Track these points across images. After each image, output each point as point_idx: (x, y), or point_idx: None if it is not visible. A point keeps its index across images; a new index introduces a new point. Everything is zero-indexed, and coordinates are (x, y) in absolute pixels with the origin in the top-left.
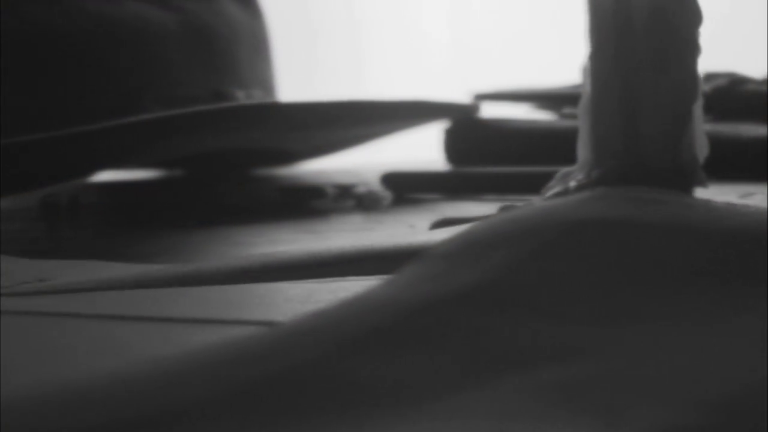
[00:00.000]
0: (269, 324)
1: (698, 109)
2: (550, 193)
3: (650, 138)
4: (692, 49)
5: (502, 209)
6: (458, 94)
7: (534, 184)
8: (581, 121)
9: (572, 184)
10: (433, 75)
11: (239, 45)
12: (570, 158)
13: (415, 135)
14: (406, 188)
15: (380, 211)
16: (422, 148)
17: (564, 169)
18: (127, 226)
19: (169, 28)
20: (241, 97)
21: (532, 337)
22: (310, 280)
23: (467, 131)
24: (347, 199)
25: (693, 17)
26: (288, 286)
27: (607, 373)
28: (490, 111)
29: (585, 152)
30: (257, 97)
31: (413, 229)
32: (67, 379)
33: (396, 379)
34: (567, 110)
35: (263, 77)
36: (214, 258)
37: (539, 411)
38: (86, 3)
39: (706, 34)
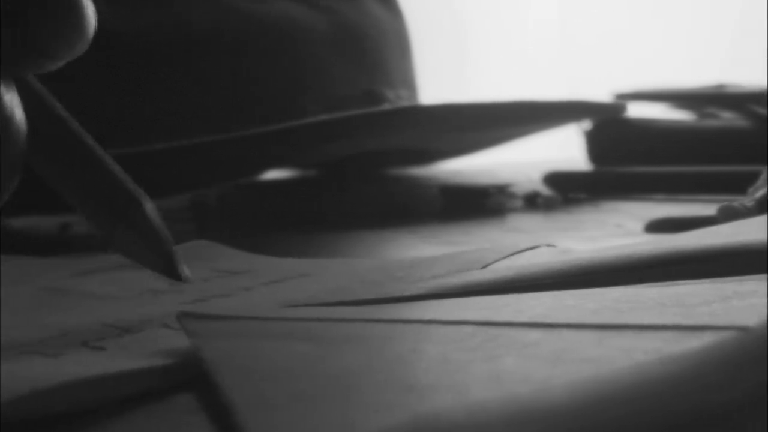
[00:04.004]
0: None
1: None
2: (759, 193)
3: None
4: None
5: (722, 209)
6: (564, 92)
7: (704, 184)
8: None
9: None
10: (539, 73)
11: (386, 44)
12: (714, 158)
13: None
14: (571, 188)
15: (556, 211)
16: (542, 147)
17: None
18: (287, 225)
19: (319, 27)
20: (391, 97)
21: None
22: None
23: (612, 131)
24: (512, 198)
25: None
26: (641, 290)
27: None
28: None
29: None
30: (404, 97)
31: (621, 228)
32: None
33: None
34: (709, 110)
35: (408, 77)
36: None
37: None
38: (238, 2)
39: None
